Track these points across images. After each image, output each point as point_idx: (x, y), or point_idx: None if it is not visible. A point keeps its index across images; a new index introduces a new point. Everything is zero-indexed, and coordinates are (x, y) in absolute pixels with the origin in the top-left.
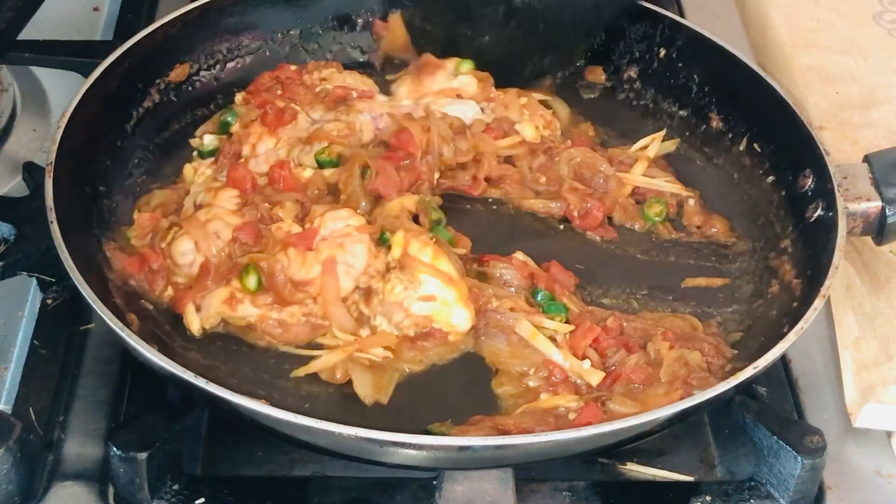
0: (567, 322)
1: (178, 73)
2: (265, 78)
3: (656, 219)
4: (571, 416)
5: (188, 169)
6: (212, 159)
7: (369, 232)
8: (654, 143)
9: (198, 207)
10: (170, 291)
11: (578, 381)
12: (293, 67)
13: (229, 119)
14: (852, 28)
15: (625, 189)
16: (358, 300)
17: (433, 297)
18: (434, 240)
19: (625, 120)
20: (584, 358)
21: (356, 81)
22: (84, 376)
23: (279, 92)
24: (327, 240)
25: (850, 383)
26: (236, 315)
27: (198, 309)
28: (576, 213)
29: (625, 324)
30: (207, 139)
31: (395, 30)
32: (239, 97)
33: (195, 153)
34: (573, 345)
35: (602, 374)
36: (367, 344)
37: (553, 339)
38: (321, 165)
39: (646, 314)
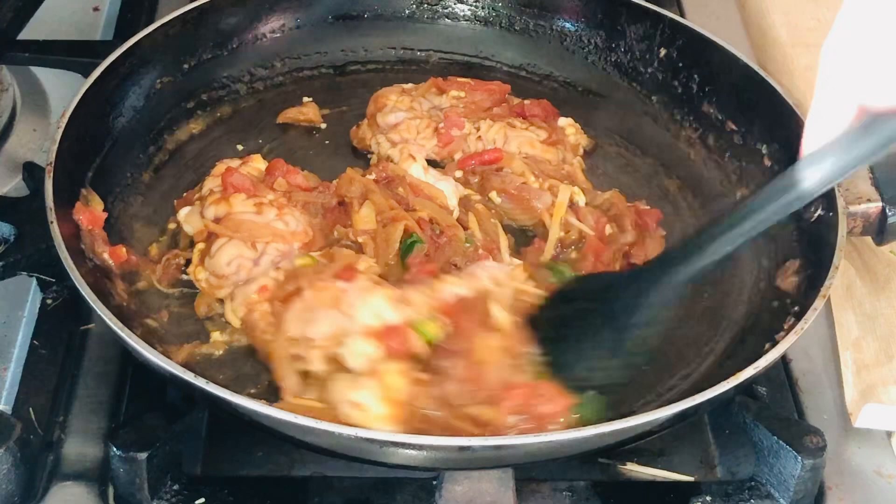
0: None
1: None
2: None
3: None
4: None
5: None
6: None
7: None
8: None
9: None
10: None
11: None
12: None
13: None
14: None
15: None
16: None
17: (359, 406)
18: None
19: (624, 120)
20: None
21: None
22: (84, 376)
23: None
24: (346, 292)
25: (850, 383)
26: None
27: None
28: None
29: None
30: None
31: None
32: (220, 167)
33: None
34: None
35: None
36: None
37: None
38: None
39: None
